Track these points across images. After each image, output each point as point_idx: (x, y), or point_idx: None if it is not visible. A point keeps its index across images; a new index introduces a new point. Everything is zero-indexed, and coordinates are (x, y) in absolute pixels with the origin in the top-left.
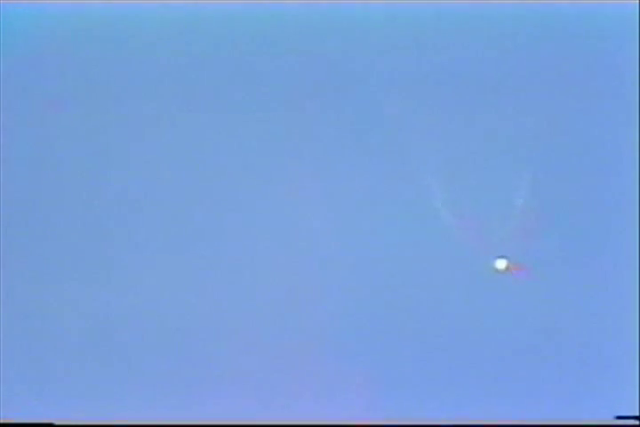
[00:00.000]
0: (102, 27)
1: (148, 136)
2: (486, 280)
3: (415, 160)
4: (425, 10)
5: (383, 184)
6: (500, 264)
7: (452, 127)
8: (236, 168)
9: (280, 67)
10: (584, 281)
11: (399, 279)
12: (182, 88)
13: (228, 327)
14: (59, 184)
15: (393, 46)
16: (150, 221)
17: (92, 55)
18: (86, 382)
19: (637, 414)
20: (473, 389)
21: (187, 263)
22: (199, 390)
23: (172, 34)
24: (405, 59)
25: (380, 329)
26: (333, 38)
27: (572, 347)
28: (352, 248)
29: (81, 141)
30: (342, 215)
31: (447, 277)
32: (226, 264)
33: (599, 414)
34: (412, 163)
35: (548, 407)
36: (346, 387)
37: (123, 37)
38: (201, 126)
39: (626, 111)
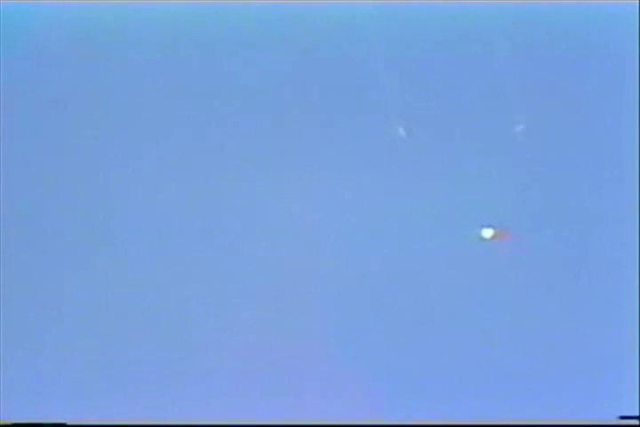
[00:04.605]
0: (102, 26)
1: (147, 136)
2: (472, 250)
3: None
4: (425, 10)
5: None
6: (487, 233)
7: (449, 124)
8: (235, 167)
9: (280, 67)
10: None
11: (387, 250)
12: (182, 87)
13: (228, 328)
14: (59, 184)
15: (393, 46)
16: (150, 221)
17: (92, 55)
18: (91, 381)
19: (638, 414)
20: (472, 388)
21: (189, 265)
22: (200, 389)
23: (171, 33)
24: (405, 58)
25: (373, 313)
26: (333, 38)
27: (568, 343)
28: (341, 237)
29: (80, 140)
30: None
31: (434, 252)
32: (226, 265)
33: (600, 413)
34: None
35: (547, 407)
36: (345, 383)
37: (123, 37)
38: (201, 126)
39: (626, 111)
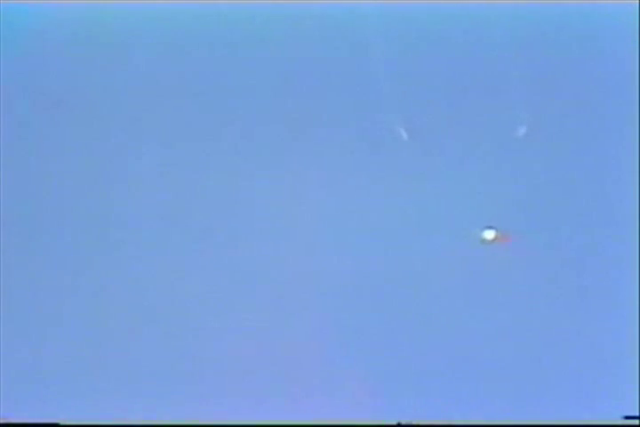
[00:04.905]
0: (102, 26)
1: (147, 135)
2: (475, 252)
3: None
4: (425, 9)
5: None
6: (489, 235)
7: (451, 126)
8: (235, 167)
9: (281, 67)
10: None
11: (389, 252)
12: (182, 87)
13: (228, 327)
14: (59, 183)
15: (393, 46)
16: (150, 223)
17: (92, 55)
18: (89, 382)
19: (638, 414)
20: (473, 388)
21: (189, 265)
22: (200, 389)
23: (171, 34)
24: (406, 59)
25: (373, 313)
26: (333, 39)
27: (571, 344)
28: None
29: (80, 140)
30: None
31: (437, 255)
32: (226, 265)
33: (602, 414)
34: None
35: (549, 407)
36: (345, 383)
37: (123, 37)
38: (201, 126)
39: (626, 111)
